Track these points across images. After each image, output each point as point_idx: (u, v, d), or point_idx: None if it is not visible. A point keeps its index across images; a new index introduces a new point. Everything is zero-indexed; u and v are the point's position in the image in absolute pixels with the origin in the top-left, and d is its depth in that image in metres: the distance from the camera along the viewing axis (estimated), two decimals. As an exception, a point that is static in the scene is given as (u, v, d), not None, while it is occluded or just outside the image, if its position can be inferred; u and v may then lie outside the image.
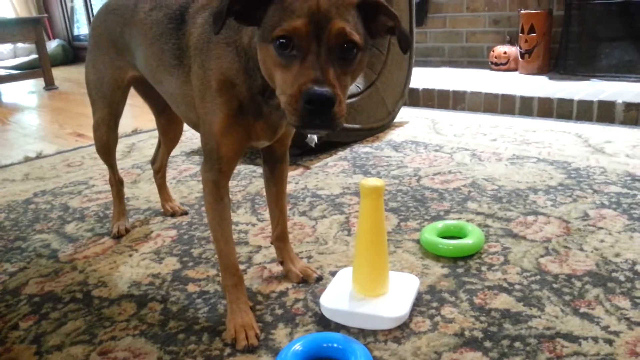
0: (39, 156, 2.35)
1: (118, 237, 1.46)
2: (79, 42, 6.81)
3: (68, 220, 1.62)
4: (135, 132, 2.70)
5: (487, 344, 0.93)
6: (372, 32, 0.85)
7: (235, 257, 1.06)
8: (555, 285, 1.09)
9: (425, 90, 2.88)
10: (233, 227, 1.47)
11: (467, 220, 1.40)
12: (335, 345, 0.92)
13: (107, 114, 1.40)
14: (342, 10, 0.77)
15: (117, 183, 1.54)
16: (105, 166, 1.55)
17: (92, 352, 0.98)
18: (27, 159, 2.31)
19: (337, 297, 1.04)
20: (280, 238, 1.21)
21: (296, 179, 1.84)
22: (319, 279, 1.17)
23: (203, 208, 1.63)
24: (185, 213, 1.60)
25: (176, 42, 1.06)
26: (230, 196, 1.71)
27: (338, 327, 1.00)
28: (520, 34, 3.10)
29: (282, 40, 0.76)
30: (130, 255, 1.36)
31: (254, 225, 1.49)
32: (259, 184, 1.81)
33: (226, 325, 1.01)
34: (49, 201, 1.79)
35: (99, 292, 1.19)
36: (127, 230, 1.49)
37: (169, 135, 1.58)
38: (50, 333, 1.05)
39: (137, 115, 3.15)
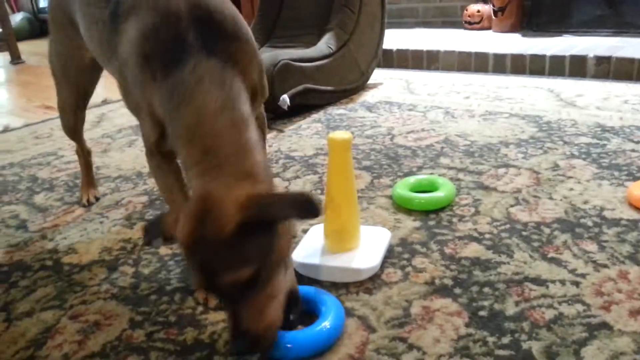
0: (5, 129, 2.29)
1: (88, 205, 1.44)
2: (46, 15, 6.59)
3: (37, 190, 1.59)
4: (105, 102, 2.63)
5: (457, 290, 0.94)
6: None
7: None
8: (524, 233, 1.10)
9: (399, 51, 2.86)
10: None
11: (440, 175, 1.41)
12: (306, 298, 0.92)
13: (73, 96, 1.34)
14: (223, 256, 0.69)
15: (84, 154, 1.51)
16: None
17: (63, 316, 0.97)
18: (-6, 133, 2.25)
19: (309, 252, 1.04)
20: None
21: (269, 142, 1.82)
22: None
23: (175, 174, 1.61)
24: None
25: (110, 35, 0.94)
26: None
27: (311, 282, 1.01)
28: (494, -8, 3.07)
29: None
30: (101, 222, 1.34)
31: (226, 188, 1.48)
32: (231, 149, 1.79)
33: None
34: (17, 173, 1.75)
35: (69, 259, 1.18)
36: (97, 199, 1.47)
37: None
38: (20, 300, 1.04)
39: (107, 85, 3.07)
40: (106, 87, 3.02)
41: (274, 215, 0.72)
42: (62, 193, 1.55)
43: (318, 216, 0.70)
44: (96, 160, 1.78)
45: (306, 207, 0.69)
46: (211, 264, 0.70)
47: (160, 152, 0.95)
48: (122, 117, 2.33)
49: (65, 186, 1.60)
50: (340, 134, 0.97)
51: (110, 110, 2.48)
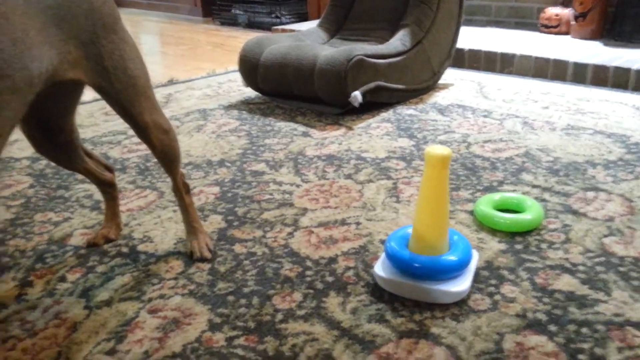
0: (76, 103, 2.33)
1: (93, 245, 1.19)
2: None
3: (109, 170, 1.60)
4: (171, 82, 2.65)
5: (552, 327, 0.88)
6: None
7: None
8: (621, 269, 1.03)
9: (471, 51, 2.76)
10: (277, 187, 1.44)
11: (523, 193, 1.34)
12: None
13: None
14: None
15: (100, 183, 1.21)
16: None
17: (142, 309, 0.97)
18: (65, 105, 2.29)
19: (392, 268, 1.00)
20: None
21: (339, 139, 1.78)
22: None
23: (245, 165, 1.59)
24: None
25: None
26: (272, 154, 1.67)
27: (392, 299, 0.97)
28: (575, -5, 2.93)
29: None
30: (175, 211, 1.33)
31: (298, 186, 1.45)
32: (300, 143, 1.76)
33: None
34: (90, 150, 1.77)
35: (145, 247, 1.18)
36: (110, 240, 1.20)
37: None
38: (98, 287, 1.04)
39: (171, 65, 3.10)
40: (171, 66, 3.05)
41: None
42: (134, 176, 1.56)
43: None
44: (166, 143, 1.79)
45: None
46: None
47: None
48: (190, 99, 2.33)
49: (137, 168, 1.61)
50: (440, 149, 0.92)
51: (177, 90, 2.49)
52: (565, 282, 1.00)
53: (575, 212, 1.25)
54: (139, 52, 1.01)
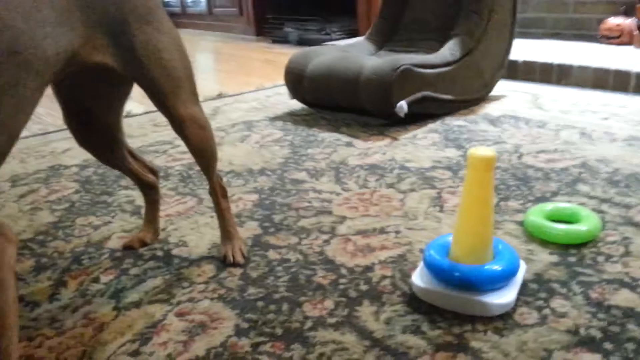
0: (127, 115, 2.39)
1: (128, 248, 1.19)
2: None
3: (152, 178, 1.61)
4: (220, 96, 2.68)
5: (608, 345, 0.80)
6: None
7: None
8: (689, 285, 0.93)
9: (525, 62, 2.65)
10: (316, 195, 1.40)
11: (579, 204, 1.24)
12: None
13: None
14: None
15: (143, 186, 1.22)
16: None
17: (170, 312, 0.95)
18: (117, 117, 2.35)
19: (431, 277, 0.94)
20: None
21: (383, 150, 1.73)
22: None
23: (286, 174, 1.57)
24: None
25: None
26: (313, 163, 1.64)
27: (429, 310, 0.91)
28: (639, 5, 2.77)
29: None
30: (212, 217, 1.32)
31: (338, 194, 1.41)
32: (343, 153, 1.73)
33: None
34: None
35: (179, 251, 1.16)
36: (146, 244, 1.20)
37: None
38: (130, 289, 1.03)
39: (222, 80, 3.15)
40: (221, 82, 3.10)
41: None
42: (176, 183, 1.56)
43: None
44: (209, 152, 1.79)
45: None
46: None
47: None
48: (237, 111, 2.35)
49: (179, 176, 1.61)
50: (483, 151, 0.86)
51: (225, 104, 2.51)
52: (624, 298, 0.90)
53: (636, 225, 1.15)
54: (180, 44, 0.98)
